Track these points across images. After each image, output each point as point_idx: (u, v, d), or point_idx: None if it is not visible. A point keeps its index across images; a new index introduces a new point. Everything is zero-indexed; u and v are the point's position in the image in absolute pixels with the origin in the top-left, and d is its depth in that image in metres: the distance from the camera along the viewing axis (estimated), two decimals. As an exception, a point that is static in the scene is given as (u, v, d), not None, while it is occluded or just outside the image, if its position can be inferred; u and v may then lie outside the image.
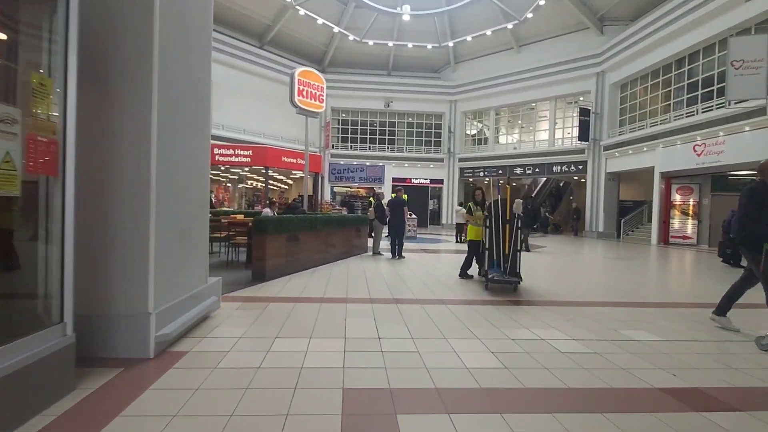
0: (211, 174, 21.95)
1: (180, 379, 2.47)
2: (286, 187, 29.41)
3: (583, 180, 26.01)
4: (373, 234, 9.63)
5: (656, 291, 6.39)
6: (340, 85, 24.80)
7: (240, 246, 7.58)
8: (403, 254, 9.11)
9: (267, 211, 9.24)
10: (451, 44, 23.45)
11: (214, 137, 18.93)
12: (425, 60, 25.82)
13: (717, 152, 13.64)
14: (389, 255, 9.21)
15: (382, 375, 2.61)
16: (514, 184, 30.91)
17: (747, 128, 12.70)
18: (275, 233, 5.85)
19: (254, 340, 3.27)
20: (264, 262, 5.67)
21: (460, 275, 6.57)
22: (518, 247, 4.78)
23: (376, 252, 9.52)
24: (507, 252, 4.65)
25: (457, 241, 13.91)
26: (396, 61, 25.68)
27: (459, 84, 25.10)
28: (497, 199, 5.02)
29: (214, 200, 17.02)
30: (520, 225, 4.76)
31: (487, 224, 4.92)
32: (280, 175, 23.86)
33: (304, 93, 10.43)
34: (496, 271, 4.73)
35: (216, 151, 18.19)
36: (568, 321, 4.10)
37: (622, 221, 19.27)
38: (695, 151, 14.51)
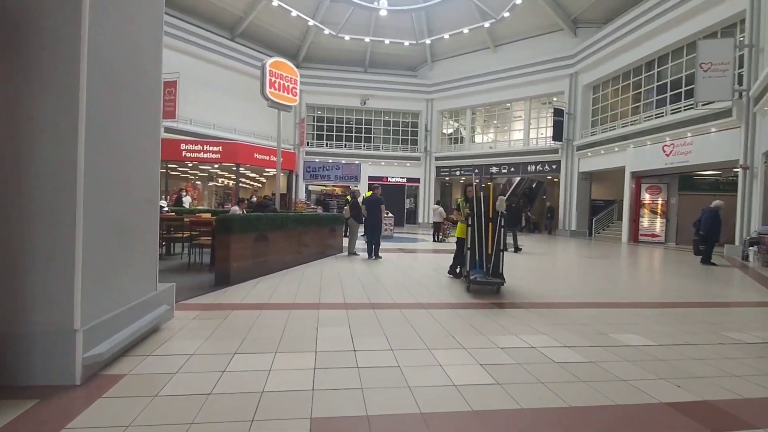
0: (179, 171, 20.98)
1: (108, 413, 2.01)
2: (259, 185, 28.54)
3: (556, 179, 26.49)
4: (348, 233, 9.22)
5: (638, 290, 6.30)
6: (315, 80, 24.21)
7: (204, 247, 7.01)
8: (380, 254, 8.76)
9: (235, 210, 8.69)
10: (428, 41, 23.27)
11: (182, 132, 18.03)
12: (402, 57, 25.56)
13: (685, 152, 14.00)
14: (365, 255, 8.84)
15: (358, 398, 2.23)
16: (495, 179, 31.32)
17: (713, 129, 13.07)
18: (241, 233, 5.36)
19: (209, 357, 2.82)
20: (228, 264, 5.17)
21: (448, 272, 6.41)
22: (501, 247, 4.52)
23: (352, 252, 9.13)
24: (490, 252, 4.38)
25: (434, 240, 13.68)
26: (373, 58, 25.30)
27: (436, 83, 24.98)
28: (479, 196, 4.74)
29: (190, 201, 16.15)
30: (503, 224, 4.49)
31: (469, 222, 4.63)
32: (252, 172, 23.06)
33: (276, 85, 9.90)
34: (478, 272, 4.45)
35: (183, 146, 17.32)
36: (556, 325, 3.85)
37: (594, 220, 19.63)
38: (664, 151, 14.86)
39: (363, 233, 9.06)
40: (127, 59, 2.93)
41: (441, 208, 13.68)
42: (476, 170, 23.36)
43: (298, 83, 10.47)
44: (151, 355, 2.83)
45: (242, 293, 4.83)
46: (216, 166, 19.25)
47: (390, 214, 13.91)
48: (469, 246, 4.58)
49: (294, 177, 23.12)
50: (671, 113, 14.81)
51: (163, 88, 17.12)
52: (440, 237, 13.67)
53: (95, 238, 2.54)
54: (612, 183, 21.55)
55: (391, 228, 14.65)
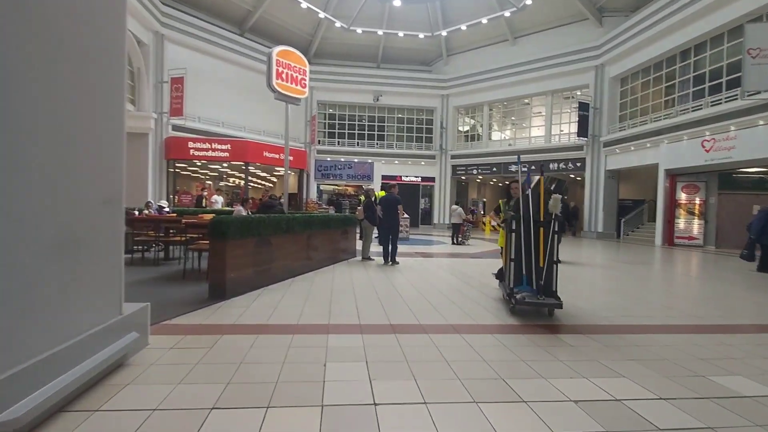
0: (190, 171, 20.51)
1: None
2: (270, 185, 28.02)
3: (579, 178, 25.29)
4: (362, 236, 8.43)
5: (708, 306, 5.31)
6: (327, 77, 23.53)
7: (203, 251, 6.30)
8: (397, 259, 7.95)
9: (240, 210, 8.00)
10: (444, 33, 22.35)
11: (190, 130, 17.52)
12: (416, 52, 24.70)
13: (727, 148, 12.82)
14: (381, 260, 8.04)
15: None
16: (507, 182, 30.16)
17: (761, 122, 11.89)
18: (239, 237, 4.61)
19: (175, 415, 2.05)
20: (223, 274, 4.42)
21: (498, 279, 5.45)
22: (555, 258, 3.61)
23: (366, 257, 8.34)
24: (541, 264, 3.60)
25: (453, 243, 12.80)
26: (386, 53, 24.50)
27: (451, 77, 24.06)
28: (527, 195, 3.86)
29: (222, 201, 15.73)
30: (557, 228, 3.60)
31: (513, 228, 3.81)
32: (263, 171, 22.52)
33: (284, 76, 9.17)
34: (526, 290, 3.57)
35: (191, 145, 16.83)
36: (635, 361, 2.98)
37: (623, 221, 18.47)
38: (703, 147, 13.69)
39: (378, 236, 8.28)
40: (67, 9, 2.17)
41: (460, 209, 12.79)
42: (524, 166, 22.36)
43: (308, 74, 9.72)
44: (99, 410, 2.07)
45: (238, 310, 4.08)
46: (225, 165, 18.74)
47: (406, 215, 13.08)
48: (513, 257, 3.77)
49: (305, 176, 22.49)
50: (711, 105, 13.62)
51: (171, 85, 16.77)
52: (459, 239, 12.79)
53: (17, 255, 1.79)
54: (642, 182, 20.33)
55: (407, 229, 13.83)
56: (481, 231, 20.93)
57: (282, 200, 7.91)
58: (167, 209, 8.87)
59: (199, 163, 18.23)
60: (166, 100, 16.63)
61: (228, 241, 4.42)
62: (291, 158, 19.50)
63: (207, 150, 16.92)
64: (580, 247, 14.00)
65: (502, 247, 4.89)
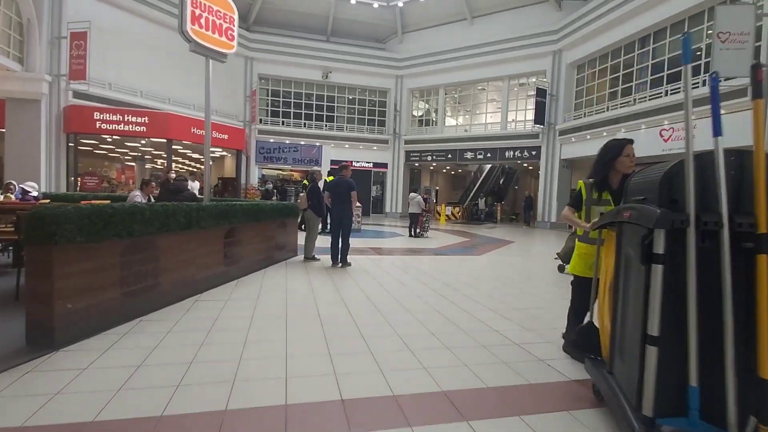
0: (104, 149, 17.18)
1: None
2: (203, 167, 24.97)
3: (530, 167, 25.14)
4: (305, 230, 6.71)
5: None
6: (269, 47, 20.99)
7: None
8: (349, 259, 6.35)
9: (136, 196, 5.95)
10: (399, 4, 20.71)
11: (97, 98, 14.45)
12: (370, 26, 22.82)
13: (686, 138, 12.56)
14: (328, 260, 6.40)
15: None
16: (460, 171, 29.58)
17: (723, 111, 11.59)
18: (84, 241, 2.74)
19: None
20: (50, 306, 2.56)
21: (567, 343, 2.98)
22: None
23: (309, 257, 6.64)
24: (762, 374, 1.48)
25: (411, 235, 11.43)
26: (336, 25, 22.36)
27: (406, 57, 22.53)
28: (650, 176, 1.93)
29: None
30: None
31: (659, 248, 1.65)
32: (194, 152, 19.67)
33: (203, 21, 7.03)
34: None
35: (97, 116, 13.85)
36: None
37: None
38: (662, 136, 13.42)
39: (325, 229, 6.62)
40: None
41: (419, 197, 11.41)
42: (442, 159, 21.31)
43: (236, 23, 7.62)
44: None
45: (60, 381, 2.25)
46: (143, 142, 15.83)
47: (359, 204, 11.48)
48: (654, 332, 1.60)
49: (243, 159, 19.99)
50: (671, 93, 13.35)
51: (70, 41, 13.59)
52: (418, 231, 11.43)
53: None
54: (590, 171, 20.31)
55: (359, 220, 12.24)
56: (435, 221, 19.88)
57: (189, 182, 5.91)
58: (35, 193, 6.51)
59: (110, 139, 15.18)
60: (65, 60, 13.44)
61: (59, 248, 2.55)
62: (225, 137, 17.05)
63: (118, 123, 14.01)
64: (541, 238, 13.28)
65: (577, 276, 2.90)
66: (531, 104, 19.73)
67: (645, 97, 14.51)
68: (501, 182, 25.21)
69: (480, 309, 4.14)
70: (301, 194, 6.63)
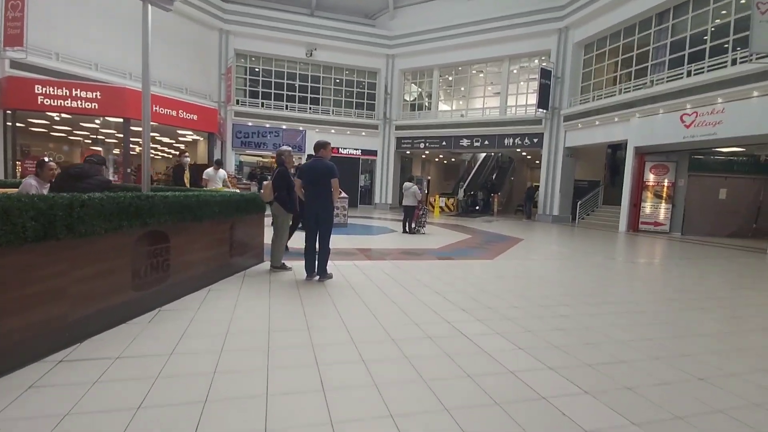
0: (44, 128, 14.99)
1: None
2: (182, 153, 22.89)
3: (529, 156, 23.75)
4: (274, 229, 5.07)
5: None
6: (247, 20, 18.95)
7: None
8: (329, 269, 4.76)
9: (30, 184, 4.26)
10: (392, -25, 18.76)
11: (40, 69, 12.40)
12: (358, 0, 20.87)
13: (712, 123, 11.24)
14: (301, 270, 4.79)
15: None
16: (453, 159, 27.94)
17: (756, 93, 10.32)
18: None
19: None
20: None
21: None
22: None
23: (277, 265, 5.02)
24: None
25: (405, 231, 9.86)
26: (321, -3, 20.37)
27: (398, 35, 20.72)
28: None
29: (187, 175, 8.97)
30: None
31: None
32: (162, 135, 17.66)
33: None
34: None
35: (39, 89, 11.80)
36: None
37: (579, 204, 16.96)
38: (683, 121, 12.07)
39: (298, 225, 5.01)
40: None
41: (415, 187, 9.82)
42: (436, 146, 19.62)
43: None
44: None
45: None
46: (98, 121, 13.79)
47: (344, 195, 9.83)
48: None
49: (219, 144, 18.06)
50: (695, 74, 11.95)
51: (5, 2, 11.47)
52: (414, 227, 9.88)
53: None
54: (594, 161, 19.08)
55: (345, 213, 10.62)
56: (429, 213, 18.35)
57: (102, 163, 4.19)
58: None
59: (57, 118, 13.12)
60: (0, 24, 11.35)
61: None
62: (194, 117, 15.01)
63: (64, 98, 11.98)
64: (546, 233, 11.87)
65: None
66: (533, 87, 18.23)
67: (663, 78, 13.10)
68: (494, 177, 23.77)
69: (530, 368, 2.62)
70: (264, 184, 4.95)
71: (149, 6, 4.80)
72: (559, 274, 5.84)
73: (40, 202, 2.32)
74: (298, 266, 5.03)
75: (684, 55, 12.68)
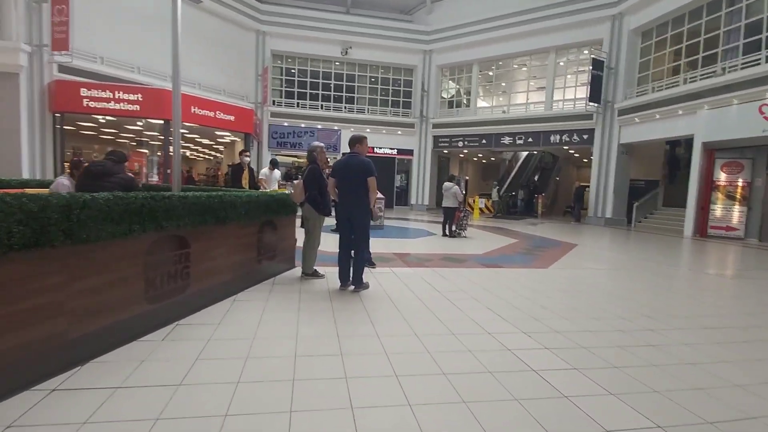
0: (87, 130, 15.57)
1: None
2: (220, 155, 23.43)
3: (576, 154, 22.31)
4: (305, 233, 4.64)
5: None
6: (283, 20, 18.96)
7: None
8: (365, 277, 4.27)
9: (63, 183, 4.10)
10: (430, -34, 18.13)
11: (85, 73, 12.82)
12: (394, -5, 20.42)
13: (802, 113, 9.78)
14: (335, 278, 4.32)
15: None
16: (493, 159, 26.72)
17: None
18: None
19: None
20: None
21: None
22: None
23: (309, 272, 4.59)
24: None
25: (445, 234, 9.23)
26: (357, -6, 20.07)
27: (435, 29, 20.05)
28: None
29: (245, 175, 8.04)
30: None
31: None
32: (201, 137, 18.00)
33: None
34: None
35: (84, 92, 12.17)
36: None
37: (635, 205, 15.55)
38: (762, 113, 10.62)
39: (333, 228, 4.56)
40: None
41: (456, 188, 9.15)
42: (476, 145, 18.58)
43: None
44: None
45: None
46: (140, 123, 14.15)
47: (381, 196, 9.35)
48: None
49: (253, 144, 18.16)
50: (779, 58, 10.50)
51: (52, 6, 11.92)
52: (455, 229, 9.23)
53: None
54: (649, 158, 17.52)
55: (381, 213, 10.13)
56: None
57: (123, 160, 3.90)
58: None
59: (102, 120, 13.57)
60: (47, 29, 11.81)
61: None
62: (231, 118, 15.07)
63: (107, 100, 12.31)
64: (608, 239, 10.80)
65: None
66: (582, 80, 17.00)
67: (736, 65, 11.64)
68: (537, 177, 22.46)
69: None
70: (294, 183, 4.53)
71: (179, 1, 4.53)
72: (631, 288, 5.03)
73: (30, 203, 1.97)
74: (330, 273, 4.58)
75: (761, 38, 11.18)
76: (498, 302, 3.99)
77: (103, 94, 12.22)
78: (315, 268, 4.65)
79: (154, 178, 14.22)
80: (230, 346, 2.64)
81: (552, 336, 3.11)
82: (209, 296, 3.41)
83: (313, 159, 4.51)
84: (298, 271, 4.82)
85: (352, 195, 4.02)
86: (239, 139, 17.80)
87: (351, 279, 4.14)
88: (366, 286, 4.19)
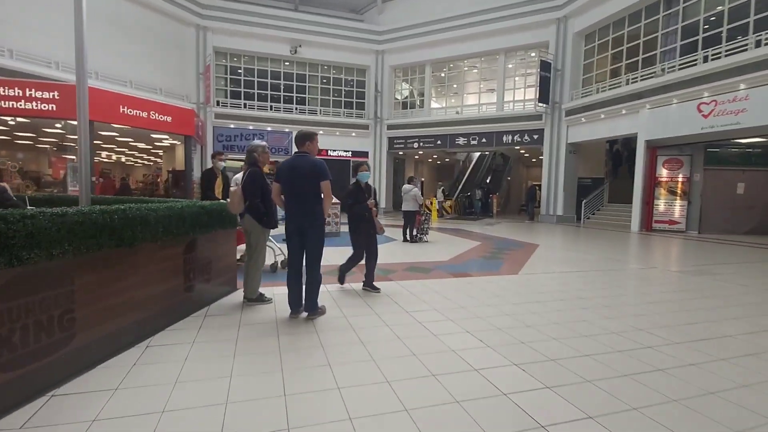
0: (14, 137, 13.49)
1: None
2: (159, 160, 21.52)
3: (526, 154, 22.86)
4: (246, 251, 3.86)
5: None
6: (226, 16, 17.69)
7: None
8: (322, 302, 3.58)
9: None
10: (379, -37, 17.72)
11: (-9, 68, 11.01)
12: (344, -7, 19.80)
13: (734, 111, 10.34)
14: (284, 303, 3.58)
15: None
16: (447, 160, 26.79)
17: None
18: None
19: None
20: None
21: None
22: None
23: (252, 297, 3.81)
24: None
25: (406, 240, 8.71)
26: (305, -10, 19.23)
27: (387, 30, 19.65)
28: None
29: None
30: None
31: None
32: (136, 140, 16.28)
33: None
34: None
35: (-12, 90, 10.38)
36: None
37: (584, 202, 16.01)
38: (700, 111, 11.17)
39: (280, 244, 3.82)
40: None
41: (416, 190, 8.68)
42: (431, 146, 18.41)
43: None
44: None
45: None
46: (59, 125, 12.40)
47: (336, 200, 8.65)
48: None
49: (198, 148, 16.72)
50: (712, 59, 11.06)
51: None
52: (416, 234, 8.74)
53: None
54: (594, 157, 18.22)
55: (337, 220, 9.43)
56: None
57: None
58: None
59: (12, 122, 11.70)
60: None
61: None
62: (167, 119, 13.60)
63: (17, 99, 10.59)
64: (569, 236, 10.83)
65: None
66: (531, 82, 17.32)
67: (674, 66, 12.22)
68: (489, 177, 22.68)
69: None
70: (232, 189, 3.73)
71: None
72: (614, 295, 4.74)
73: None
74: (279, 296, 3.85)
75: (698, 40, 11.81)
76: (477, 323, 3.47)
77: (11, 92, 10.49)
78: (261, 291, 3.89)
79: (77, 187, 12.48)
80: (124, 429, 1.87)
81: (552, 368, 2.61)
82: (109, 346, 2.58)
83: (253, 161, 3.75)
84: (240, 294, 4.03)
85: (301, 203, 3.33)
86: (179, 143, 16.30)
87: (303, 304, 3.44)
88: (321, 312, 3.52)
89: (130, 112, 12.33)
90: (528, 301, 4.23)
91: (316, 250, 3.39)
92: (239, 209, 3.70)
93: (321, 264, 3.47)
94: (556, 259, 7.02)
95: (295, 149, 3.49)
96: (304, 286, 3.42)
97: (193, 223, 3.41)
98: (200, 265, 3.61)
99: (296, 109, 19.50)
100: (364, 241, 4.53)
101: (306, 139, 3.43)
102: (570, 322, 3.55)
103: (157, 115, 13.17)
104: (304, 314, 3.46)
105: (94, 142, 15.70)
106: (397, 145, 20.25)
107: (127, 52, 14.86)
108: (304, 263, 3.42)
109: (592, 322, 3.57)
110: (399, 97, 21.02)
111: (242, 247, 4.12)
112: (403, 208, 8.76)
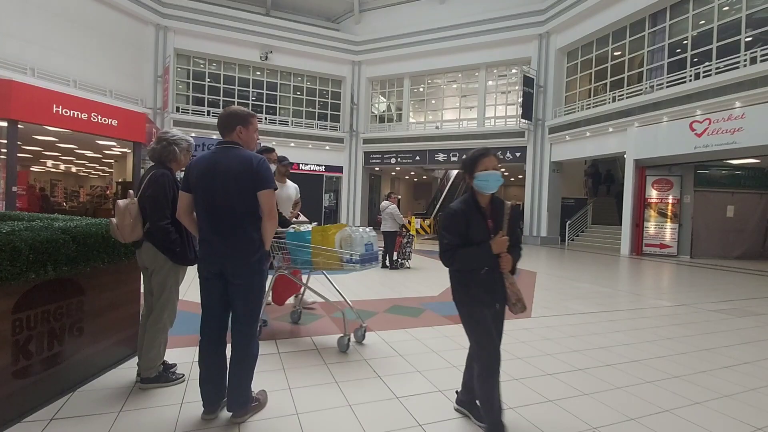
0: None
1: None
2: (110, 170, 19.51)
3: (506, 173, 22.23)
4: (144, 295, 2.45)
5: None
6: (189, 16, 16.32)
7: None
8: (256, 395, 2.23)
9: None
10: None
11: None
12: (320, 0, 18.85)
13: (731, 130, 9.82)
14: (196, 388, 2.19)
15: None
16: (425, 177, 25.94)
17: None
18: None
19: None
20: None
21: None
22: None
23: (150, 377, 2.39)
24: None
25: (385, 266, 7.42)
26: (278, -6, 18.17)
27: (365, 40, 18.78)
28: None
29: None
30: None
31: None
32: (80, 147, 14.45)
33: None
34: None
35: None
36: None
37: (568, 224, 15.31)
38: (693, 129, 10.65)
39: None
40: None
41: (394, 207, 7.47)
42: (409, 161, 17.42)
43: None
44: None
45: None
46: (-25, 126, 10.49)
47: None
48: None
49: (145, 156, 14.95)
50: (704, 76, 10.62)
51: None
52: (396, 259, 7.47)
53: None
54: (575, 177, 17.77)
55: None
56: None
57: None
58: None
59: None
60: None
61: None
62: (113, 122, 11.85)
63: None
64: (554, 259, 9.84)
65: None
66: (513, 98, 16.75)
67: (662, 83, 11.78)
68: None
69: None
70: (119, 201, 2.34)
71: None
72: (663, 348, 3.61)
73: None
74: (194, 373, 2.47)
75: (686, 57, 11.42)
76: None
77: None
78: (165, 360, 2.49)
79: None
80: None
81: None
82: None
83: (160, 159, 2.41)
84: (132, 369, 2.60)
85: (225, 227, 2.01)
86: (129, 150, 14.53)
87: (227, 395, 2.07)
88: (258, 406, 2.16)
89: (66, 112, 10.61)
90: (567, 365, 3.02)
91: (248, 305, 2.05)
92: (133, 235, 2.32)
93: (258, 326, 2.14)
94: (567, 294, 5.92)
95: (219, 139, 2.18)
96: (228, 367, 2.06)
97: (39, 258, 2.01)
98: (55, 328, 2.19)
99: (266, 119, 18.10)
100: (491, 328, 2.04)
101: (236, 121, 2.13)
102: (650, 415, 2.35)
103: (99, 117, 11.47)
104: (228, 414, 2.08)
105: (28, 147, 13.78)
106: (374, 160, 19.13)
107: (72, 48, 13.17)
108: (228, 327, 2.08)
109: (683, 416, 2.39)
110: (376, 111, 20.05)
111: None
112: (381, 229, 7.49)
